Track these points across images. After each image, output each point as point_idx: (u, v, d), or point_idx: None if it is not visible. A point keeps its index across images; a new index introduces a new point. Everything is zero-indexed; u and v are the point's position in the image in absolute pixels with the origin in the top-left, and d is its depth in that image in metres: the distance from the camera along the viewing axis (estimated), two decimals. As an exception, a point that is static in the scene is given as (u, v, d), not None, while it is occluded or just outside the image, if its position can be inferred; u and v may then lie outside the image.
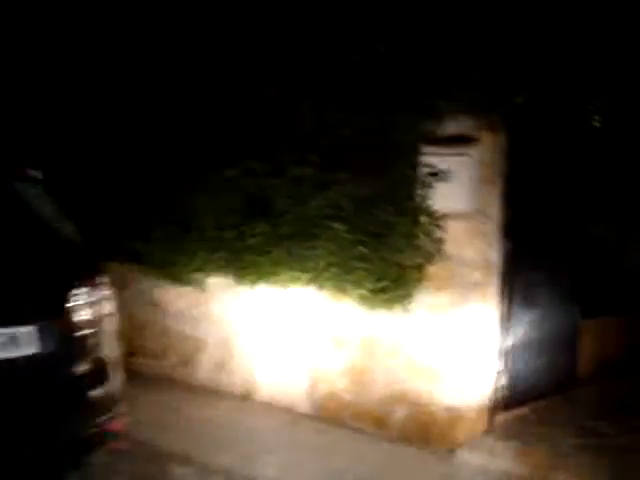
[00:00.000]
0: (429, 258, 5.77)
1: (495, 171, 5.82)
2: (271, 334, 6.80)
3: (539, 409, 6.73)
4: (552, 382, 6.99)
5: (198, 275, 7.12)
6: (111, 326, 4.45)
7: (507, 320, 6.01)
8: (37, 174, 4.48)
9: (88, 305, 4.16)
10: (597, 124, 6.71)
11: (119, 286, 7.84)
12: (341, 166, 5.98)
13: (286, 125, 6.28)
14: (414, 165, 5.72)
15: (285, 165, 6.25)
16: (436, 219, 5.73)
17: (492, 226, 5.82)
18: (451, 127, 5.71)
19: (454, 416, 5.80)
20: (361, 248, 5.82)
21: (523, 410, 6.54)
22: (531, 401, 6.66)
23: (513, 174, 5.92)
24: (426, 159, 5.72)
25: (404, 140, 5.68)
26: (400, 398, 6.02)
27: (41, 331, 3.84)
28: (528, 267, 6.26)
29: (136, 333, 7.69)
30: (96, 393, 4.20)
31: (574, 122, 6.72)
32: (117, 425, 4.37)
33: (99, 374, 4.25)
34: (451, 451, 5.72)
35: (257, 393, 6.90)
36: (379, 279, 5.83)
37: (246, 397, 6.91)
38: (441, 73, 5.52)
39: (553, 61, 5.72)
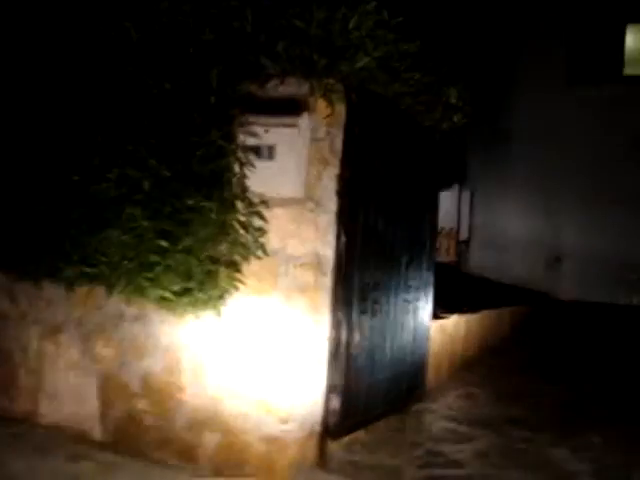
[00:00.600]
0: (247, 253, 4.68)
1: (331, 149, 4.75)
2: (59, 342, 5.52)
3: (381, 432, 5.75)
4: (398, 397, 6.06)
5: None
6: None
7: (342, 328, 4.96)
8: None
9: None
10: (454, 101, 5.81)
11: None
12: (142, 135, 4.75)
13: (72, 79, 4.99)
14: (230, 137, 4.59)
15: (72, 132, 4.95)
16: (256, 205, 4.64)
17: (326, 216, 4.75)
18: (277, 91, 4.62)
19: (274, 445, 4.74)
20: (162, 240, 4.61)
21: (362, 434, 5.55)
22: (373, 422, 5.69)
23: (353, 154, 4.87)
24: (246, 130, 4.62)
25: (216, 104, 4.52)
26: (211, 423, 4.91)
27: None
28: (369, 265, 5.26)
29: None
30: None
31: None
32: None
33: None
34: (269, 490, 4.66)
35: (42, 416, 5.59)
36: (184, 278, 4.66)
37: (28, 421, 5.59)
38: (263, 20, 4.41)
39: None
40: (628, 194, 15.91)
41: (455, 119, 6.11)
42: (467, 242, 18.82)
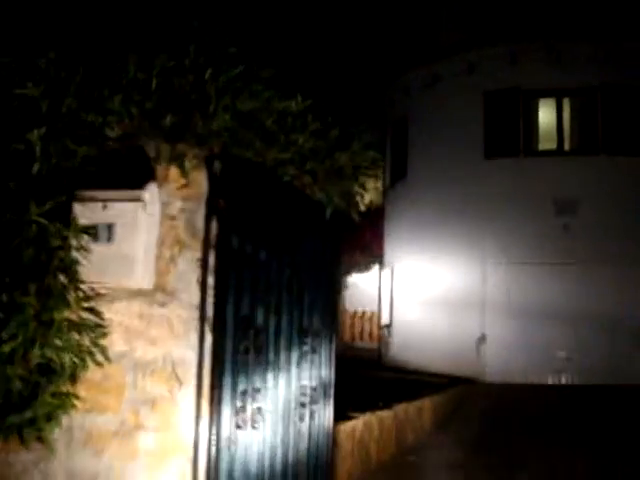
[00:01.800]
0: (83, 359, 3.70)
1: (189, 228, 3.88)
2: None
3: None
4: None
5: None
6: None
7: (210, 450, 3.98)
8: None
9: None
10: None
11: None
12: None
13: None
14: (57, 215, 3.67)
15: None
16: (92, 299, 3.70)
17: (184, 310, 3.84)
18: (118, 158, 3.75)
19: None
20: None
21: None
22: None
23: (219, 234, 3.99)
24: (80, 207, 3.71)
25: (40, 174, 3.61)
26: None
27: None
28: (245, 367, 4.32)
29: None
30: None
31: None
32: None
33: None
34: None
35: None
36: (3, 393, 3.65)
37: None
38: (96, 72, 3.57)
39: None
40: (552, 261, 15.53)
41: (353, 189, 5.32)
42: (389, 326, 18.06)
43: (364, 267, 20.05)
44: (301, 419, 5.18)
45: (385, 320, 18.44)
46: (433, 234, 16.84)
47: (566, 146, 16.46)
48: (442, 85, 17.32)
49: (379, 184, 19.99)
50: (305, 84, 4.80)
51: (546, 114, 16.57)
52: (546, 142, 16.45)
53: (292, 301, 4.94)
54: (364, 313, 20.82)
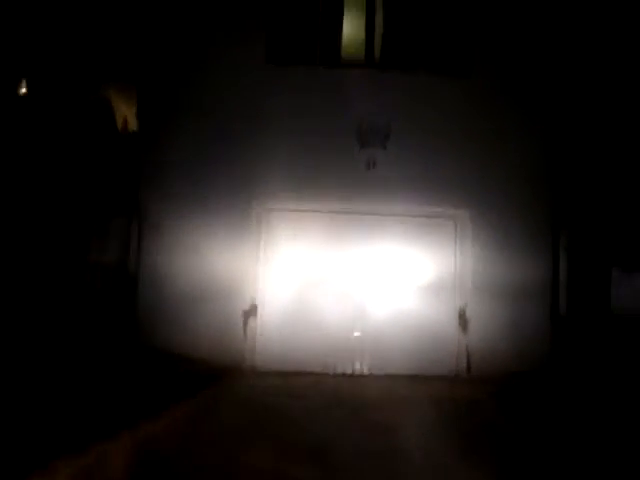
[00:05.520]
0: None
1: None
2: None
3: None
4: None
5: None
6: None
7: None
8: None
9: None
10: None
11: None
12: None
13: None
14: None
15: None
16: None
17: None
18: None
19: None
20: None
21: None
22: None
23: None
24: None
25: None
26: None
27: None
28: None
29: None
30: None
31: None
32: None
33: None
34: None
35: None
36: None
37: None
38: None
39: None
40: (348, 210, 11.60)
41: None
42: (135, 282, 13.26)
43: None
44: None
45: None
46: (190, 169, 12.24)
47: (377, 54, 12.30)
48: None
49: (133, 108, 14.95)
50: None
51: (353, 11, 12.37)
52: (352, 49, 12.21)
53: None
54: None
